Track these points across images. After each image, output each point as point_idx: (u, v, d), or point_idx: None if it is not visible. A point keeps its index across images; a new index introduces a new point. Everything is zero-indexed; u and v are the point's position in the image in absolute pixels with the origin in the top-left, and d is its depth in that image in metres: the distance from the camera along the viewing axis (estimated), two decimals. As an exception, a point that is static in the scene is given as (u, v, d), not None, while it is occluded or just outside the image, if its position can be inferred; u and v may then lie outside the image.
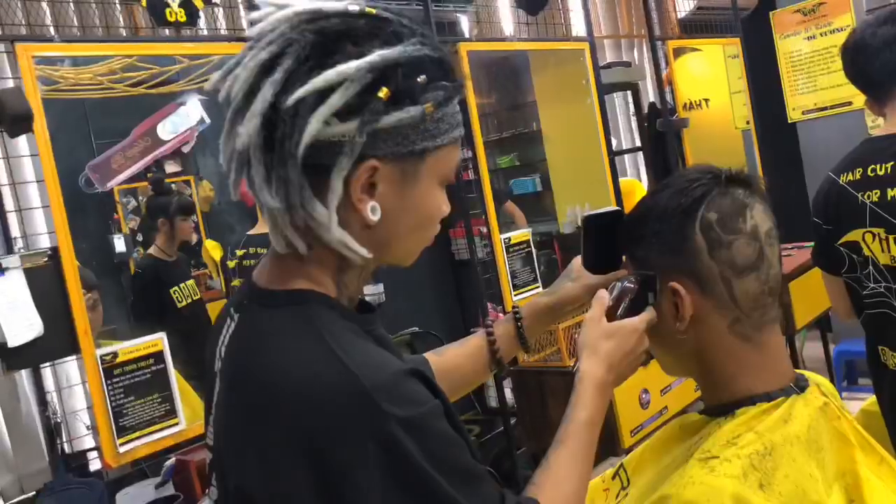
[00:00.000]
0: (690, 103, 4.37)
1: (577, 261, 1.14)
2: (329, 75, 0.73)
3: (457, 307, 3.58)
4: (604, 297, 1.00)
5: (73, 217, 3.10)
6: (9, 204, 1.89)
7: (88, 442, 2.10)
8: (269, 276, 0.83)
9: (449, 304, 3.58)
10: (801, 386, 0.99)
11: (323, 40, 0.75)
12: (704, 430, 0.99)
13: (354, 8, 0.78)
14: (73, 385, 2.26)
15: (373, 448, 0.71)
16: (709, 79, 4.46)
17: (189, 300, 3.31)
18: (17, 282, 1.63)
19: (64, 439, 1.86)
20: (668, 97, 3.94)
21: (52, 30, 2.43)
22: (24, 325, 1.63)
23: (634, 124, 4.83)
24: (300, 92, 0.73)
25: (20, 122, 1.65)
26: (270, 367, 0.76)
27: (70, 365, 2.26)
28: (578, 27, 4.66)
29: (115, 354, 1.78)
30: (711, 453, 0.92)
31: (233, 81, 0.77)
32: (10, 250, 1.77)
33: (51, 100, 2.48)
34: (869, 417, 1.95)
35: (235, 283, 3.18)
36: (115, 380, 1.76)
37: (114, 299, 3.13)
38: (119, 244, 3.53)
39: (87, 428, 1.98)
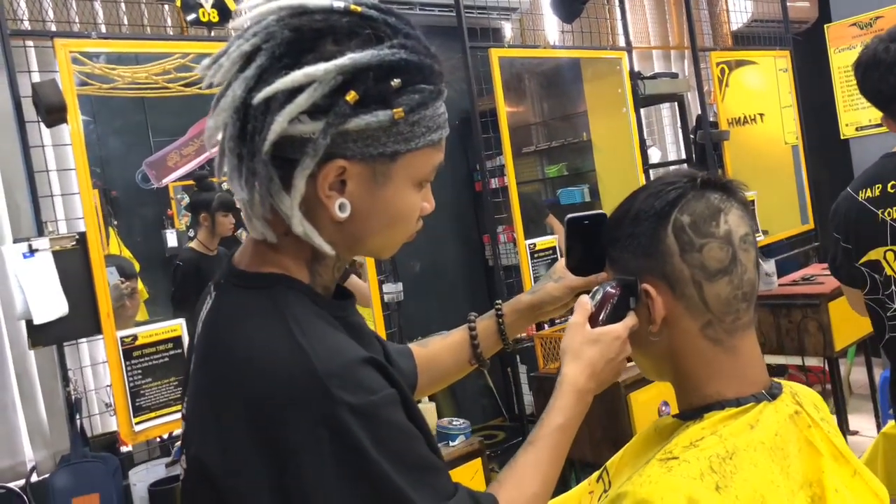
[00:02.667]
0: (745, 118, 4.30)
1: (562, 262, 1.15)
2: (296, 76, 0.74)
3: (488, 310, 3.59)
4: (586, 303, 0.99)
5: (128, 210, 3.23)
6: (42, 189, 1.99)
7: (106, 419, 2.19)
8: (246, 258, 0.85)
9: (480, 307, 3.59)
10: (773, 393, 0.98)
11: (299, 38, 0.76)
12: (676, 433, 0.99)
13: (339, 5, 0.78)
14: (95, 364, 2.35)
15: (322, 432, 0.72)
16: (764, 93, 4.37)
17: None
18: (45, 263, 1.72)
19: (83, 415, 1.94)
20: (712, 109, 3.87)
21: (102, 28, 2.55)
22: (50, 305, 1.72)
23: (681, 136, 4.76)
24: (268, 90, 0.74)
25: (55, 113, 1.74)
26: (233, 346, 0.79)
27: (92, 345, 2.36)
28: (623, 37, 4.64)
29: (134, 337, 1.85)
30: (672, 454, 0.92)
31: (216, 71, 0.79)
32: (40, 233, 1.86)
33: (110, 97, 2.59)
34: (889, 441, 1.90)
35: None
36: (133, 361, 1.83)
37: (163, 291, 3.24)
38: (171, 239, 3.65)
39: (106, 406, 2.07)
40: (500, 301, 1.19)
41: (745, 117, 4.28)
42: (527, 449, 0.93)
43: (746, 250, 0.96)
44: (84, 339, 2.17)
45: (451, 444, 2.23)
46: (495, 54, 2.75)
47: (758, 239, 3.79)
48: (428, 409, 2.35)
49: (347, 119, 0.75)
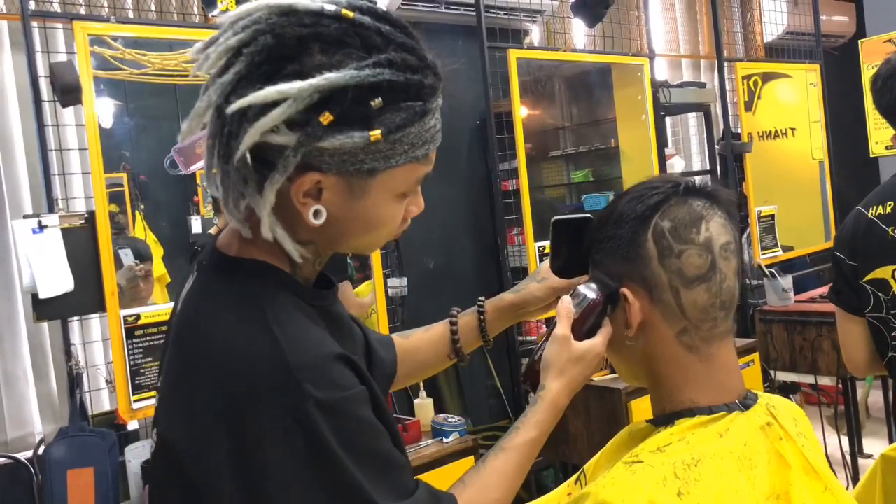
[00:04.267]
0: (776, 131, 4.24)
1: (546, 263, 1.15)
2: (269, 92, 0.72)
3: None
4: (569, 310, 0.98)
5: (155, 195, 3.28)
6: (54, 168, 2.03)
7: (106, 395, 2.24)
8: (229, 242, 0.85)
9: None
10: (746, 404, 0.97)
11: (281, 44, 0.74)
12: (647, 437, 0.99)
13: (331, 9, 0.75)
14: (98, 341, 2.39)
15: (289, 424, 0.72)
16: (796, 107, 4.32)
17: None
18: (54, 239, 1.76)
19: (85, 390, 1.99)
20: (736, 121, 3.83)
21: (130, 13, 2.60)
22: (56, 280, 1.76)
23: (707, 147, 4.72)
24: (241, 102, 0.73)
25: (70, 94, 1.78)
26: (207, 331, 0.79)
27: (94, 322, 2.41)
28: (655, 44, 4.61)
29: (137, 316, 1.89)
30: (638, 458, 0.92)
31: (203, 61, 0.78)
32: (51, 210, 1.91)
33: (142, 83, 2.64)
34: (888, 463, 1.86)
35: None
36: (135, 340, 1.87)
37: (186, 276, 3.28)
38: (196, 225, 3.71)
39: (107, 382, 2.11)
40: (482, 298, 1.19)
41: (776, 131, 4.22)
42: (497, 455, 0.93)
43: (727, 259, 0.95)
44: (90, 316, 2.22)
45: (445, 440, 2.24)
46: (513, 55, 2.74)
47: (775, 255, 3.78)
48: (425, 404, 2.36)
49: (319, 140, 0.74)
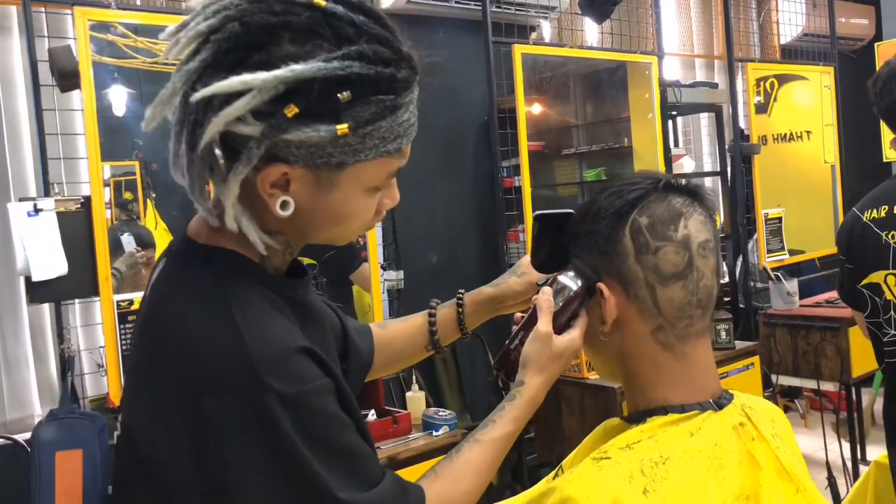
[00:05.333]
0: (791, 134, 4.20)
1: (526, 258, 1.14)
2: (233, 83, 0.71)
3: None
4: (549, 302, 0.97)
5: (167, 184, 3.30)
6: (52, 152, 2.05)
7: (106, 379, 2.25)
8: (199, 229, 0.84)
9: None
10: (720, 403, 0.96)
11: (248, 32, 0.72)
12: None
13: None
14: (97, 324, 2.41)
15: (249, 416, 0.72)
16: (812, 110, 4.27)
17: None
18: (49, 223, 1.78)
19: (76, 373, 2.00)
20: (746, 122, 3.79)
21: (137, 1, 2.61)
22: (50, 263, 1.77)
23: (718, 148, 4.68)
24: (205, 92, 0.72)
25: (68, 79, 1.80)
26: (170, 319, 0.79)
27: (96, 305, 2.43)
28: (668, 43, 4.57)
29: (130, 301, 1.91)
30: (606, 454, 0.91)
31: (174, 45, 0.77)
32: (47, 194, 1.92)
33: (157, 72, 2.65)
34: (881, 469, 1.85)
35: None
36: (128, 325, 1.88)
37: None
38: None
39: (98, 366, 2.13)
40: (462, 291, 1.19)
41: (790, 134, 4.18)
42: (472, 447, 0.92)
43: (705, 257, 0.94)
44: (92, 299, 2.23)
45: (434, 433, 2.24)
46: (518, 50, 2.73)
47: (781, 258, 3.74)
48: (417, 397, 2.36)
49: (286, 131, 0.72)
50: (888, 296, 1.63)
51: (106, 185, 2.70)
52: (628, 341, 0.96)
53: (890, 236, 1.61)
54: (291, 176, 0.76)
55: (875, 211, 1.65)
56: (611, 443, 0.93)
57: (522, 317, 1.02)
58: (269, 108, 0.72)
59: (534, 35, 3.40)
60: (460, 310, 1.16)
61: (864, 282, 1.67)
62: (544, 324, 0.96)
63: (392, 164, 0.81)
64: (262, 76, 0.70)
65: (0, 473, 2.23)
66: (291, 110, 0.71)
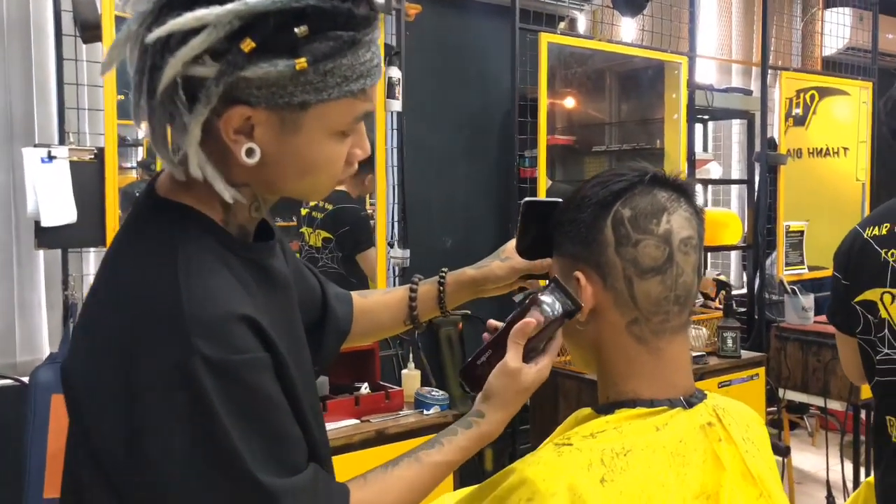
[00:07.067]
0: (827, 149, 4.13)
1: (511, 243, 1.14)
2: (187, 19, 0.69)
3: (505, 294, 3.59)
4: (524, 333, 0.93)
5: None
6: (72, 102, 2.08)
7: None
8: (164, 183, 0.82)
9: (507, 295, 3.59)
10: (690, 402, 0.96)
11: None
12: (587, 423, 0.98)
13: None
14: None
15: (173, 377, 0.70)
16: (850, 126, 4.19)
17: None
18: (62, 171, 1.81)
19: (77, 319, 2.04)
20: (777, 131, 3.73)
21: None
22: (60, 210, 1.81)
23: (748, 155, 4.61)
24: (159, 31, 0.70)
25: (91, 30, 1.82)
26: (118, 271, 0.78)
27: (98, 256, 2.47)
28: (706, 46, 4.50)
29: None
30: (568, 440, 0.92)
31: None
32: (62, 142, 1.96)
33: None
34: (871, 490, 1.82)
35: (303, 230, 3.33)
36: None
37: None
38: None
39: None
40: (445, 269, 1.19)
41: (827, 149, 4.11)
42: (411, 464, 0.89)
43: (686, 253, 0.94)
44: (89, 249, 2.27)
45: (425, 412, 2.26)
46: (544, 38, 2.71)
47: (799, 272, 3.69)
48: (412, 375, 2.38)
49: (241, 69, 0.71)
50: (883, 314, 1.60)
51: (139, 144, 2.75)
52: (603, 332, 0.96)
53: (889, 254, 1.59)
54: (255, 120, 0.75)
55: (876, 228, 1.63)
56: (575, 430, 0.93)
57: (496, 328, 0.97)
58: (225, 45, 0.71)
59: (562, 25, 3.36)
60: (441, 289, 1.16)
61: (859, 298, 1.64)
62: (513, 360, 0.93)
63: (357, 108, 0.79)
64: (216, 11, 0.69)
65: (6, 413, 2.28)
66: (248, 45, 0.70)
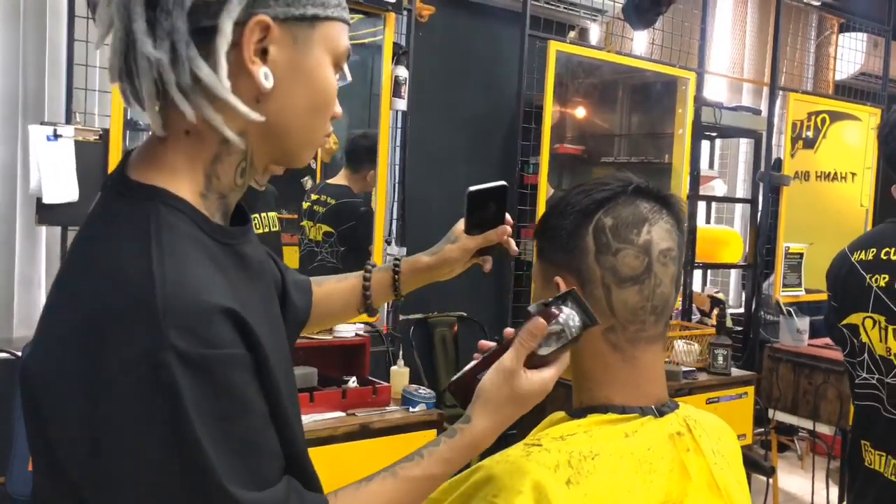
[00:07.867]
0: (835, 174, 4.14)
1: (460, 224, 1.16)
2: None
3: (509, 302, 3.60)
4: (532, 337, 0.85)
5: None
6: (78, 82, 2.10)
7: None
8: (135, 163, 0.77)
9: (502, 292, 3.59)
10: (662, 411, 0.97)
11: None
12: (559, 426, 1.00)
13: None
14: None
15: (142, 371, 0.64)
16: (859, 151, 4.20)
17: (265, 229, 3.53)
18: (66, 149, 1.83)
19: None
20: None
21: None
22: (62, 188, 1.83)
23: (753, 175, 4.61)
24: None
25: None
26: (83, 254, 0.73)
27: None
28: (718, 64, 4.51)
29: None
30: (538, 441, 0.93)
31: None
32: (68, 121, 1.98)
33: None
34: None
35: (304, 223, 3.35)
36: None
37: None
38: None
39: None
40: (399, 258, 1.21)
41: (835, 173, 4.12)
42: (385, 479, 0.82)
43: (665, 265, 0.95)
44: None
45: (411, 409, 2.28)
46: (553, 46, 2.73)
47: (796, 294, 3.69)
48: (401, 372, 2.39)
49: None
50: (864, 338, 1.62)
51: (149, 130, 2.76)
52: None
53: (873, 279, 1.60)
54: (271, 37, 0.74)
55: (863, 253, 1.65)
56: (546, 431, 0.95)
57: (488, 349, 0.90)
58: None
59: (572, 34, 3.38)
60: (396, 277, 1.18)
61: (845, 321, 1.66)
62: (512, 360, 0.84)
63: (345, 37, 0.80)
64: None
65: (7, 387, 2.31)
66: None
